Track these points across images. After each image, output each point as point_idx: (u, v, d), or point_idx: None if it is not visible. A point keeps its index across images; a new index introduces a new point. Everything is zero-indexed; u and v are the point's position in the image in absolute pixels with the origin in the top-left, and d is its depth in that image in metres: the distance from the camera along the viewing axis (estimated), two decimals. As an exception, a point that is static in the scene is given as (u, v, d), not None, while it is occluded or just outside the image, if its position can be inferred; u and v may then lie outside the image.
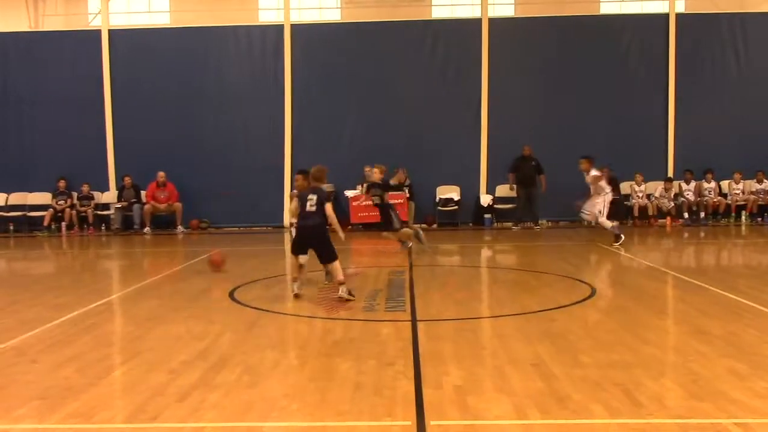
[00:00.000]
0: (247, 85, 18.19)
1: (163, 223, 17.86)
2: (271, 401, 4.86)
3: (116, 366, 6.04)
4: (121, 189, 17.91)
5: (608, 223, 13.61)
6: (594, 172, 13.65)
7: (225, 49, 18.39)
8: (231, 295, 8.78)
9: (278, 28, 18.26)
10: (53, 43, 18.54)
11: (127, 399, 5.07)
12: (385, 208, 11.94)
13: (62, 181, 17.70)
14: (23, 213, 17.98)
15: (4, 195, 18.16)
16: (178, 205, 17.52)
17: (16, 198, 18.18)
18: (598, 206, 13.61)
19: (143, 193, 17.77)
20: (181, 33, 18.69)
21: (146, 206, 17.49)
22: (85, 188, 17.80)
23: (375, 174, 12.01)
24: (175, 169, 17.48)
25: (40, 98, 17.98)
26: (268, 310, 7.98)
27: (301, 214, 8.50)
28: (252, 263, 11.87)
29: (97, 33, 18.38)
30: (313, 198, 8.47)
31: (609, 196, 13.84)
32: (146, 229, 17.27)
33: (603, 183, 13.73)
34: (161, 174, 17.41)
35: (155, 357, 6.05)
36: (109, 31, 18.33)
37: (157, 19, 19.54)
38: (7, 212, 18.05)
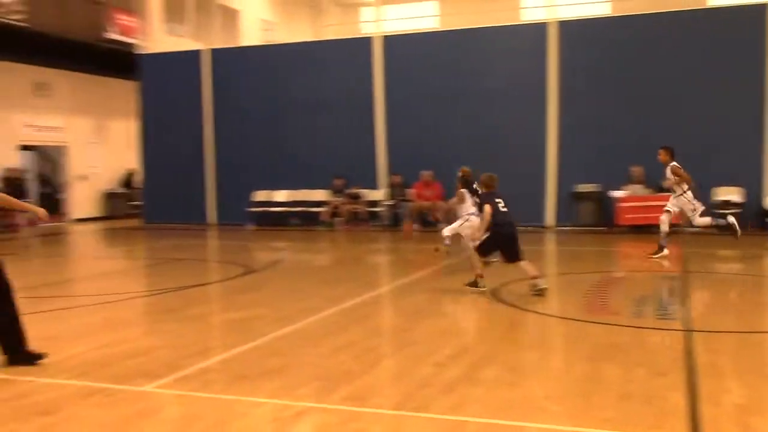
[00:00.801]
0: (508, 85, 18.17)
1: (425, 220, 18.47)
2: (533, 401, 4.84)
3: (386, 355, 6.36)
4: (390, 187, 18.81)
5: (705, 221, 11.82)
6: (674, 164, 11.67)
7: (488, 50, 18.55)
8: (493, 293, 8.86)
9: (540, 27, 18.05)
10: (330, 51, 19.93)
11: (396, 387, 5.33)
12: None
13: (338, 179, 18.98)
14: (305, 208, 19.57)
15: (289, 191, 19.87)
16: (443, 204, 18.00)
17: (300, 194, 19.82)
18: (688, 206, 11.75)
19: (410, 191, 18.50)
20: (445, 36, 19.21)
21: (412, 204, 18.20)
22: (356, 187, 18.95)
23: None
24: (442, 167, 17.98)
25: (320, 103, 19.44)
26: (529, 310, 7.94)
27: (498, 214, 8.62)
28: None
29: (369, 40, 19.45)
30: (501, 200, 8.71)
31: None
32: (414, 226, 17.96)
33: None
34: (427, 173, 18.00)
35: (422, 349, 6.28)
36: (381, 37, 19.33)
37: (424, 24, 20.25)
38: (291, 207, 19.75)
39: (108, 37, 22.14)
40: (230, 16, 28.38)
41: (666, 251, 11.76)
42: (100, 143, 24.03)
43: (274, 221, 19.47)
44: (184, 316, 7.97)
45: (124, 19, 22.84)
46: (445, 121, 18.53)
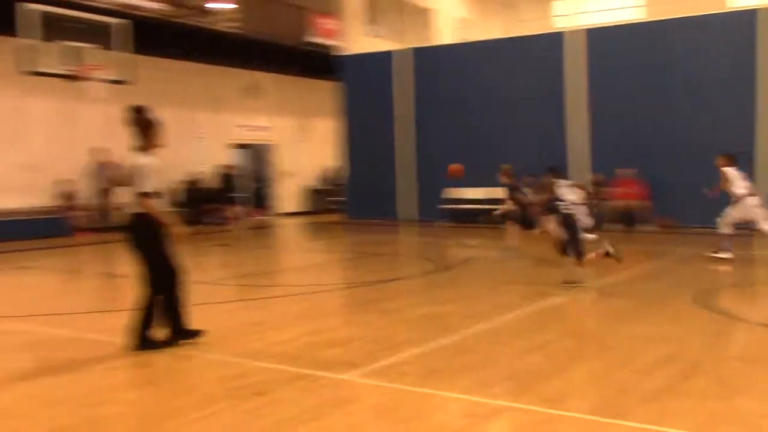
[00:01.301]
0: (717, 77, 16.99)
1: (629, 220, 17.72)
2: (745, 418, 4.52)
3: (582, 358, 6.21)
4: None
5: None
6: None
7: (692, 40, 17.44)
8: (696, 298, 8.36)
9: (749, 14, 16.69)
10: (524, 47, 19.67)
11: (592, 392, 5.19)
12: None
13: (530, 177, 18.63)
14: (496, 206, 19.44)
15: (481, 189, 19.84)
16: (644, 203, 17.21)
17: (491, 192, 19.73)
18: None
19: (610, 190, 17.84)
20: (646, 27, 18.33)
21: (611, 203, 17.55)
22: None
23: None
24: (644, 166, 17.19)
25: (513, 100, 19.23)
26: (737, 318, 7.41)
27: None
28: (721, 267, 11.12)
29: (562, 34, 18.97)
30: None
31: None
32: (616, 226, 17.30)
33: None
34: (627, 171, 17.28)
35: (620, 354, 6.07)
36: (578, 31, 18.78)
37: (624, 15, 19.45)
38: (483, 205, 19.71)
39: (311, 40, 23.30)
40: (425, 15, 28.86)
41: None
42: (303, 141, 25.37)
43: (466, 218, 19.56)
44: (381, 309, 8.24)
45: (325, 22, 23.92)
46: (647, 118, 17.69)
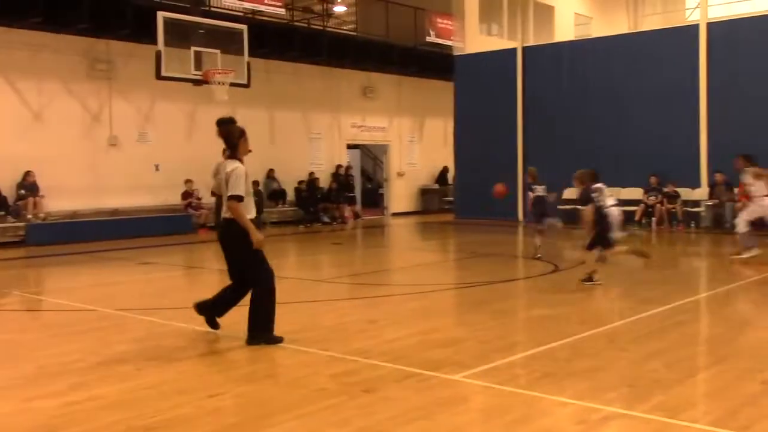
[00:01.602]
0: None
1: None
2: None
3: (703, 366, 5.94)
4: (712, 186, 17.45)
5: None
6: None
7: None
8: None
9: None
10: (650, 41, 18.98)
11: (713, 402, 4.95)
12: None
13: (653, 177, 18.03)
14: (616, 207, 18.85)
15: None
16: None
17: (611, 193, 19.15)
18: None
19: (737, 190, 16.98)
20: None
21: (738, 204, 16.68)
22: (673, 185, 17.82)
23: None
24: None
25: (636, 96, 18.61)
26: None
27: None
28: None
29: (694, 28, 18.18)
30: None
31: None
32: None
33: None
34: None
35: (746, 364, 5.76)
36: (708, 24, 17.95)
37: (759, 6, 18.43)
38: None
39: (428, 40, 23.36)
40: (545, 12, 28.35)
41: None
42: (418, 141, 25.48)
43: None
44: (493, 310, 8.16)
45: (442, 22, 23.93)
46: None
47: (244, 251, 6.46)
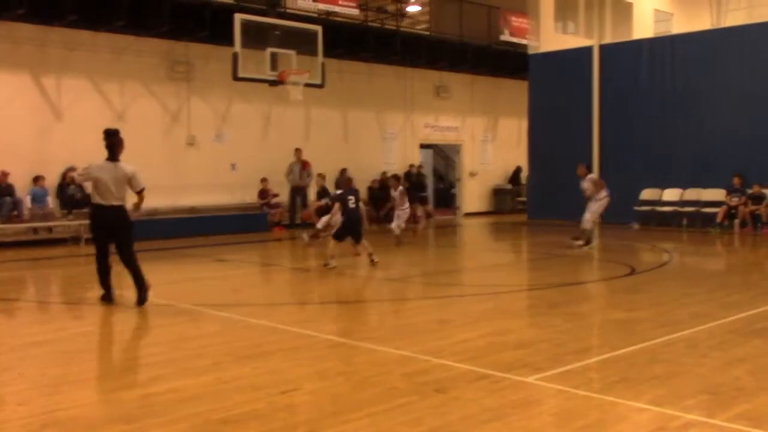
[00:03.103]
0: None
1: None
2: None
3: (789, 375, 5.71)
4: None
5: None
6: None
7: None
8: None
9: None
10: (734, 38, 18.35)
11: (801, 413, 4.75)
12: None
13: (737, 178, 17.37)
14: (697, 209, 18.34)
15: (680, 190, 18.80)
16: None
17: (691, 194, 18.64)
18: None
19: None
20: None
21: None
22: (758, 186, 17.14)
23: None
24: None
25: (719, 95, 18.02)
26: None
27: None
28: None
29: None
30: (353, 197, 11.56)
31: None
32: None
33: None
34: None
35: (835, 373, 5.50)
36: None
37: None
38: (682, 207, 18.66)
39: (502, 39, 23.15)
40: (623, 9, 27.69)
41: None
42: (491, 141, 25.28)
43: (661, 221, 18.59)
44: (566, 312, 8.02)
45: (517, 21, 23.67)
46: None
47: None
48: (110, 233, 8.44)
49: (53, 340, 7.10)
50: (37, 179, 15.67)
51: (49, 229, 15.88)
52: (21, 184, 15.55)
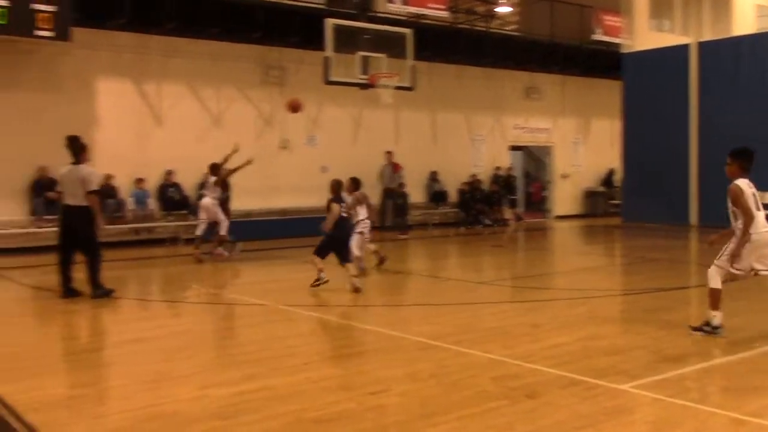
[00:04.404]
0: None
1: None
2: None
3: None
4: None
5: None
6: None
7: None
8: None
9: None
10: None
11: None
12: None
13: None
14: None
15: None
16: None
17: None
18: None
19: None
20: None
21: None
22: None
23: None
24: None
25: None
26: None
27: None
28: None
29: None
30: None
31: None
32: None
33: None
34: None
35: None
36: None
37: None
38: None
39: (594, 38, 22.67)
40: (722, 5, 26.67)
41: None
42: (582, 143, 24.79)
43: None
44: (663, 318, 7.79)
45: (610, 19, 23.14)
46: None
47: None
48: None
49: (154, 337, 7.39)
50: (138, 181, 16.34)
51: (150, 230, 16.51)
52: (124, 187, 16.24)
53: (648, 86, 20.58)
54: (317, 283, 9.67)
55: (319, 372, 5.79)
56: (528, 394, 5.11)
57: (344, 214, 9.94)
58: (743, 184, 6.88)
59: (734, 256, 6.71)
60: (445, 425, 4.55)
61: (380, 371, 5.86)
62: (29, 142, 14.82)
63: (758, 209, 6.84)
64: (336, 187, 10.08)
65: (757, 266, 6.79)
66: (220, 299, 9.39)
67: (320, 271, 9.72)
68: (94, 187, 9.19)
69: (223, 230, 13.61)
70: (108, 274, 11.60)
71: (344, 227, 10.04)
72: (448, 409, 4.83)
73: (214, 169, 13.90)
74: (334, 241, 9.75)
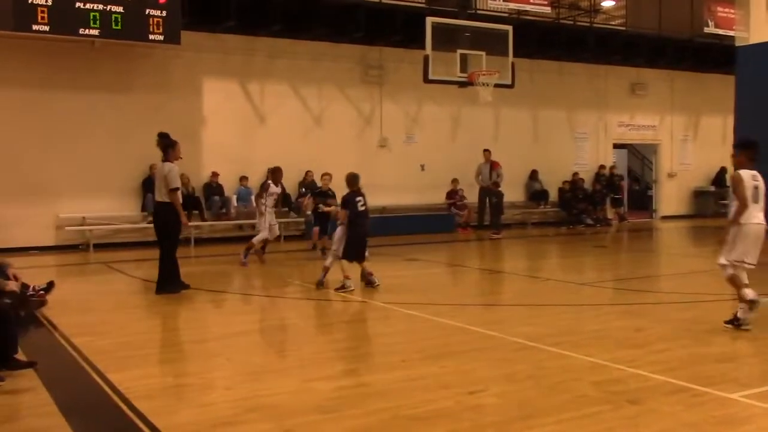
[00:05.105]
0: None
1: None
2: None
3: None
4: None
5: None
6: None
7: None
8: None
9: None
10: None
11: None
12: None
13: None
14: None
15: None
16: None
17: None
18: None
19: None
20: None
21: None
22: None
23: None
24: None
25: None
26: None
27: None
28: None
29: None
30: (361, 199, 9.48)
31: None
32: None
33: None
34: None
35: None
36: None
37: None
38: None
39: (706, 31, 21.77)
40: None
41: None
42: (692, 140, 23.86)
43: None
44: (777, 326, 7.40)
45: (723, 11, 22.15)
46: None
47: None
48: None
49: (256, 330, 7.60)
50: (242, 179, 16.80)
51: (253, 226, 16.96)
52: (228, 184, 16.75)
53: (764, 81, 19.58)
54: (342, 290, 9.40)
55: (417, 370, 5.80)
56: (630, 399, 4.96)
57: (362, 209, 9.59)
58: (745, 174, 7.08)
59: (722, 243, 7.06)
60: (543, 428, 4.47)
61: (478, 371, 5.82)
62: (143, 141, 15.39)
63: (755, 201, 7.03)
64: (353, 180, 9.67)
65: (747, 259, 7.04)
66: (322, 295, 9.54)
67: (347, 278, 9.47)
68: (174, 185, 9.28)
69: (258, 239, 12.88)
70: (212, 269, 12.00)
71: (364, 224, 9.73)
72: (546, 412, 4.74)
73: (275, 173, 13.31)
74: (358, 239, 9.54)
